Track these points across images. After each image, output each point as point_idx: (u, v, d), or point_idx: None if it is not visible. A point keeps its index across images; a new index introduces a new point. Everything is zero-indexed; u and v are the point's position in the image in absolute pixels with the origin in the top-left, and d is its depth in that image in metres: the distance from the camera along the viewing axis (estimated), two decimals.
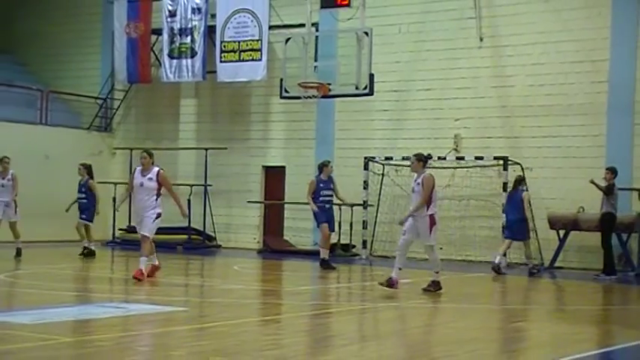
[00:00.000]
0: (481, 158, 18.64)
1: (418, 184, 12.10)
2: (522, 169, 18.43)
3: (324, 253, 15.98)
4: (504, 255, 16.81)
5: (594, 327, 10.01)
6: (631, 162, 17.40)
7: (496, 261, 16.21)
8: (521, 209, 16.49)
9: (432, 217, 12.05)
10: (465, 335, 8.69)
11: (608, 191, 15.64)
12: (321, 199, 15.84)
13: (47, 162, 22.45)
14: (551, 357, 7.49)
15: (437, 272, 12.32)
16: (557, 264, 17.74)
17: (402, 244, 12.29)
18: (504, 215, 17.27)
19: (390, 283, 12.05)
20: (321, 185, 15.89)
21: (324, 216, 15.86)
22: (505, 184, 18.16)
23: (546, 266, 17.74)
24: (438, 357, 7.39)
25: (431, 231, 12.06)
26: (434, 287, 12.23)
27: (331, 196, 15.97)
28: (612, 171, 15.85)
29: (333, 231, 16.33)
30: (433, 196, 12.11)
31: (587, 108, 18.17)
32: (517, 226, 16.47)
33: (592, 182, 15.78)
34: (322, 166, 16.11)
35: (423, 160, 12.36)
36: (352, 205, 19.58)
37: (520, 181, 16.91)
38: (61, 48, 25.37)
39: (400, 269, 12.18)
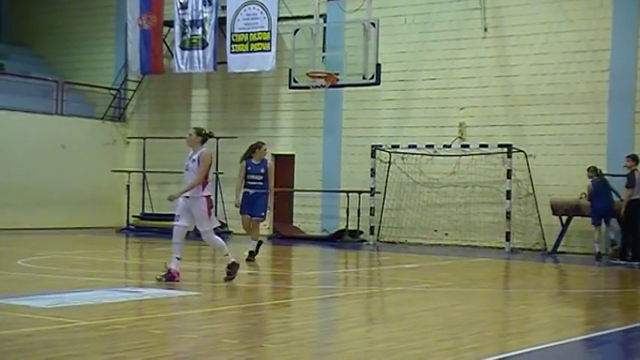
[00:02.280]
0: (485, 146, 18.77)
1: (194, 160, 10.79)
2: (526, 156, 18.77)
3: (252, 245, 14.43)
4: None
5: (595, 310, 10.08)
6: (632, 149, 17.34)
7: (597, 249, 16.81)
8: (611, 195, 16.90)
9: (208, 198, 10.83)
10: (469, 318, 8.82)
11: (630, 183, 15.82)
12: (247, 182, 14.11)
13: (63, 151, 22.78)
14: (553, 339, 7.59)
15: (226, 255, 11.05)
16: (559, 249, 17.95)
17: (177, 232, 10.93)
18: (594, 205, 16.92)
19: (170, 277, 10.77)
20: (249, 169, 14.08)
21: (245, 206, 14.17)
22: (509, 172, 18.42)
23: (549, 251, 18.04)
24: (444, 339, 7.44)
25: (209, 214, 10.84)
26: (232, 271, 11.06)
27: (261, 181, 14.07)
28: (633, 158, 16.05)
29: (262, 218, 14.36)
30: (209, 176, 10.90)
31: (589, 97, 18.30)
32: (610, 212, 16.82)
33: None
34: (255, 148, 14.24)
35: (202, 135, 10.95)
36: (357, 192, 19.99)
37: (596, 169, 17.09)
38: (76, 40, 25.62)
39: (179, 259, 10.97)
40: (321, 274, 13.18)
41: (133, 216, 23.00)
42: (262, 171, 14.09)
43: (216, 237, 11.06)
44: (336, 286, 12.24)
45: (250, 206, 14.07)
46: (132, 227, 22.67)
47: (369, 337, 7.75)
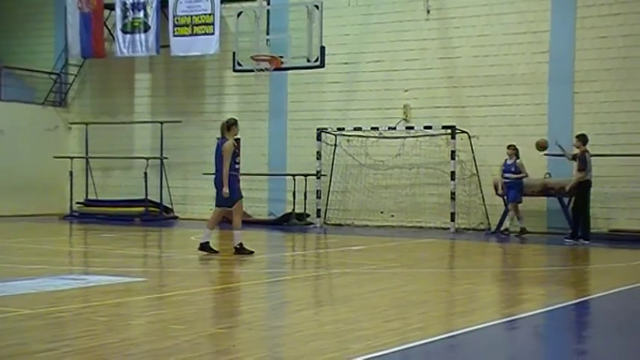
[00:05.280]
0: (430, 128, 18.96)
1: None
2: (469, 137, 18.99)
3: (238, 236, 12.85)
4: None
5: (537, 287, 10.23)
6: (571, 129, 17.82)
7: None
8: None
9: None
10: (416, 298, 8.95)
11: (582, 166, 15.78)
12: (236, 166, 12.72)
13: (3, 137, 22.36)
14: (497, 317, 7.74)
15: None
16: (502, 228, 18.22)
17: None
18: (522, 182, 17.59)
19: None
20: (236, 150, 12.69)
21: (239, 190, 12.85)
22: (453, 153, 18.66)
23: (493, 230, 18.34)
24: (391, 320, 7.51)
25: None
26: None
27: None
28: (582, 140, 15.99)
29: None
30: None
31: (530, 78, 18.58)
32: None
33: (559, 146, 16.27)
34: (232, 125, 12.61)
35: None
36: (303, 175, 20.03)
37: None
38: (14, 23, 25.09)
39: None
40: (269, 257, 13.18)
41: (77, 202, 22.70)
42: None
43: None
44: (284, 270, 12.30)
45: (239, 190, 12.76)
46: (75, 214, 22.36)
47: (317, 319, 7.80)
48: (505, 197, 17.83)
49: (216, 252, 12.80)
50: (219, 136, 12.93)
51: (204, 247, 12.78)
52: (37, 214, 22.23)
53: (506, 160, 17.68)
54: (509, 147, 17.62)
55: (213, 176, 12.87)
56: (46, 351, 6.02)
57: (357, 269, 11.54)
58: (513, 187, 17.47)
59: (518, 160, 17.51)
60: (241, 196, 12.88)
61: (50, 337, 6.61)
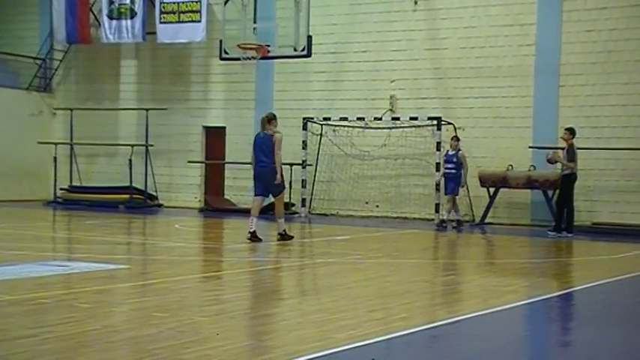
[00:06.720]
0: (416, 118, 18.98)
1: None
2: (455, 128, 19.01)
3: (283, 224, 13.67)
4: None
5: (521, 279, 10.29)
6: (556, 122, 17.93)
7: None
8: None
9: None
10: (399, 288, 8.98)
11: (571, 157, 15.73)
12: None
13: None
14: (480, 308, 7.76)
15: None
16: (487, 220, 18.33)
17: None
18: (462, 173, 17.46)
19: None
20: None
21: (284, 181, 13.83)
22: (439, 144, 18.66)
23: (477, 222, 18.40)
24: (375, 310, 7.55)
25: None
26: None
27: None
28: (570, 131, 15.95)
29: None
30: None
31: (516, 70, 18.63)
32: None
33: (556, 161, 15.96)
34: (272, 119, 13.44)
35: None
36: (289, 165, 20.04)
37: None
38: None
39: None
40: (253, 246, 13.16)
41: (61, 189, 22.61)
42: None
43: None
44: (268, 258, 12.26)
45: None
46: (59, 200, 22.29)
47: (300, 308, 7.82)
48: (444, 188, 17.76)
49: (260, 240, 13.37)
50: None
51: (253, 235, 13.40)
52: (20, 199, 22.13)
53: (447, 150, 17.68)
54: (452, 138, 17.64)
55: (258, 169, 13.33)
56: (27, 337, 5.99)
57: (341, 259, 11.56)
58: (452, 179, 17.41)
59: (460, 152, 17.46)
60: (284, 187, 13.86)
61: (31, 324, 6.58)
